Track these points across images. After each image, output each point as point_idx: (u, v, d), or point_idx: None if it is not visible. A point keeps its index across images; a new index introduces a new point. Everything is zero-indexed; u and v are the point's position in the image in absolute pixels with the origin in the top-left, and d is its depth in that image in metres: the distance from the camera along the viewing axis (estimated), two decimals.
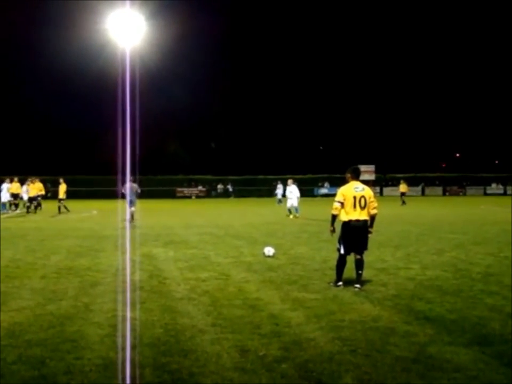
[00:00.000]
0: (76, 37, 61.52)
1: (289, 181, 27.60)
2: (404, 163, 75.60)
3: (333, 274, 9.77)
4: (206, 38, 74.68)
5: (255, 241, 15.95)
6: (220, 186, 66.81)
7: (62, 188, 31.07)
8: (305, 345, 5.95)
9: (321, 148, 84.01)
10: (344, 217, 9.08)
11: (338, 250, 9.30)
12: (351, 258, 9.29)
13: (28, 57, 69.64)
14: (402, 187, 43.21)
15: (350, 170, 9.48)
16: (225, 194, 65.27)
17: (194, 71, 72.11)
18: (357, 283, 9.02)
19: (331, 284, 9.28)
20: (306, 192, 65.67)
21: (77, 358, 5.51)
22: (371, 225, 9.26)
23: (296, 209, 26.27)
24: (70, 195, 57.94)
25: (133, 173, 21.72)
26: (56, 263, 11.76)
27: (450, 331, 6.47)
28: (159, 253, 13.37)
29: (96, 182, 58.73)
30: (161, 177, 63.71)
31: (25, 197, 31.63)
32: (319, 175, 69.84)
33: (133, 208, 22.04)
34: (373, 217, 9.22)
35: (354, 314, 7.27)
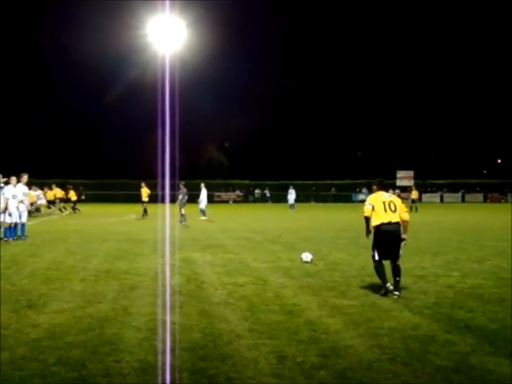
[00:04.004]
0: (117, 42, 62.58)
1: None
2: (443, 169, 74.52)
3: (371, 280, 9.70)
4: (245, 44, 75.02)
5: (292, 246, 15.89)
6: (257, 191, 66.93)
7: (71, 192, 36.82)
8: (343, 352, 5.89)
9: (359, 153, 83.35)
10: (375, 221, 9.06)
11: (373, 257, 9.23)
12: (387, 264, 9.17)
13: (69, 62, 70.90)
14: (414, 194, 43.05)
15: (376, 182, 9.71)
16: (263, 199, 65.34)
17: (233, 77, 72.46)
18: (395, 290, 8.87)
19: (382, 292, 8.90)
20: (344, 197, 65.43)
21: (115, 361, 5.55)
22: (405, 232, 9.16)
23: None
24: (110, 199, 59.27)
25: (172, 177, 22.48)
26: (96, 266, 11.91)
27: (492, 341, 6.32)
28: (196, 257, 13.43)
29: (134, 186, 59.44)
30: (198, 181, 64.06)
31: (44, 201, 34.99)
32: (357, 180, 69.35)
33: (183, 210, 24.83)
34: (405, 223, 9.16)
35: (393, 322, 7.17)
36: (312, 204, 61.42)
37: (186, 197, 26.19)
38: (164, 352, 5.82)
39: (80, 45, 65.01)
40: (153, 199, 35.14)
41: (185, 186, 26.52)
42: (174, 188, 25.83)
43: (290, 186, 47.16)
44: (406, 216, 9.15)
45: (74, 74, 72.06)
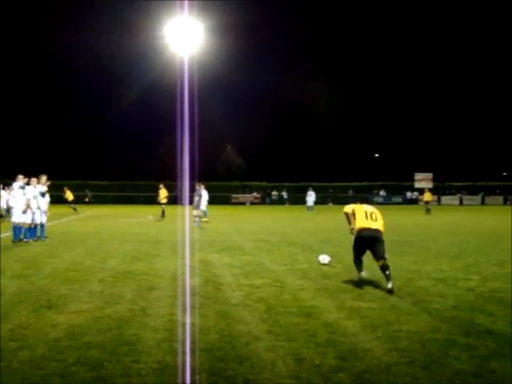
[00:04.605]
0: (135, 44, 62.98)
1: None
2: (463, 171, 73.94)
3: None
4: (264, 47, 75.09)
5: (310, 248, 15.86)
6: (274, 193, 66.90)
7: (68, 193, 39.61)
8: (361, 355, 5.86)
9: (377, 155, 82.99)
10: (356, 226, 9.90)
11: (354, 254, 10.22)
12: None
13: (87, 64, 71.51)
14: (427, 196, 42.91)
15: (360, 199, 11.40)
16: (280, 201, 65.31)
17: (251, 79, 72.56)
18: (388, 282, 9.37)
19: (356, 278, 10.02)
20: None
21: (134, 361, 5.57)
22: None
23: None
24: (129, 200, 59.62)
25: (191, 179, 22.70)
26: (114, 267, 11.97)
27: None
28: (214, 259, 13.45)
29: (153, 188, 59.76)
30: (216, 183, 64.15)
31: None
32: (375, 182, 69.07)
33: (198, 211, 25.06)
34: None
35: (411, 325, 7.11)
36: (330, 205, 61.24)
37: (205, 199, 26.28)
38: (182, 353, 5.84)
39: (99, 47, 65.55)
40: (172, 200, 35.33)
41: (204, 187, 26.64)
42: (193, 189, 25.89)
43: (310, 188, 47.11)
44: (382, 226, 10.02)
45: (93, 76, 72.63)
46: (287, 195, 66.17)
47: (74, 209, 38.72)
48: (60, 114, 73.68)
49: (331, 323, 7.18)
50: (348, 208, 10.22)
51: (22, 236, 17.19)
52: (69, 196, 39.74)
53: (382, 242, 9.86)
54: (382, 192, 68.14)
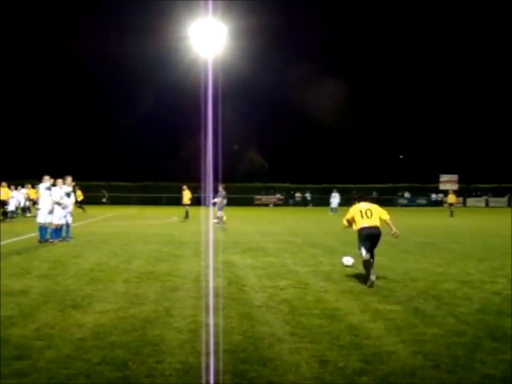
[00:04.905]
0: (159, 45, 63.40)
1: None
2: (489, 173, 72.95)
3: (414, 286, 9.61)
4: (286, 48, 75.05)
5: (334, 250, 15.80)
6: (298, 194, 66.76)
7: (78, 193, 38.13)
8: (386, 358, 5.81)
9: (401, 156, 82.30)
10: (356, 226, 10.79)
11: (361, 254, 10.53)
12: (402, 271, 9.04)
13: (111, 64, 72.08)
14: (451, 198, 42.58)
15: (356, 197, 12.81)
16: (303, 202, 65.15)
17: (273, 80, 72.54)
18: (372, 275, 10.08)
19: (368, 284, 10.00)
20: (386, 201, 64.64)
21: (158, 362, 5.60)
22: (392, 227, 10.75)
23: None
24: (152, 202, 59.95)
25: (215, 180, 22.82)
26: (138, 268, 12.05)
27: None
28: (237, 260, 13.47)
29: (176, 189, 60.06)
30: (239, 184, 64.16)
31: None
32: (399, 184, 68.56)
33: (221, 212, 24.91)
34: (387, 221, 10.84)
35: (436, 328, 7.04)
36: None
37: (225, 200, 26.33)
38: (205, 354, 5.85)
39: (124, 48, 66.06)
40: (196, 201, 35.45)
41: (225, 189, 26.61)
42: (216, 191, 25.97)
43: (334, 190, 46.85)
44: (385, 216, 10.90)
45: (117, 76, 73.11)
46: (311, 196, 65.97)
47: (83, 209, 38.64)
48: (84, 115, 74.45)
49: (355, 325, 7.14)
50: (344, 224, 11.50)
51: (48, 236, 17.39)
52: (79, 195, 39.84)
53: (378, 239, 10.71)
54: (407, 194, 67.61)
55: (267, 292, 9.39)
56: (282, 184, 69.16)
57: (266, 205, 64.03)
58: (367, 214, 10.77)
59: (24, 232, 20.16)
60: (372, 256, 10.52)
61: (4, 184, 29.66)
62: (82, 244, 16.99)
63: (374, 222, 10.68)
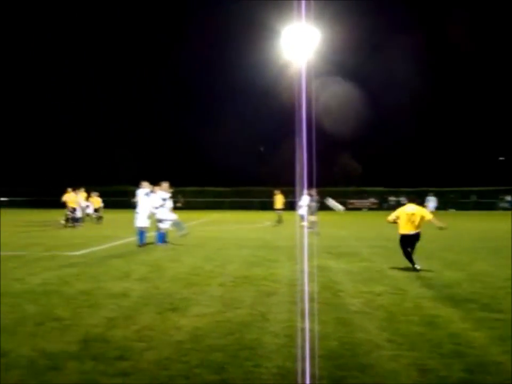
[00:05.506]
0: (252, 50, 64.21)
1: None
2: None
3: None
4: (383, 51, 73.83)
5: (431, 255, 15.31)
6: (392, 198, 65.44)
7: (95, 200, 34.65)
8: (492, 368, 5.54)
9: (501, 158, 78.88)
10: (400, 230, 12.67)
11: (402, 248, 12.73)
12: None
13: (203, 69, 73.72)
14: None
15: (407, 198, 13.85)
16: (398, 206, 63.75)
17: (368, 83, 71.59)
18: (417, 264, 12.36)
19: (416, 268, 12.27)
20: (486, 205, 62.19)
21: (255, 366, 5.62)
22: (438, 223, 12.54)
23: None
24: (245, 206, 60.71)
25: (309, 185, 22.80)
26: (233, 272, 12.19)
27: None
28: (331, 265, 13.35)
29: (268, 194, 60.50)
30: (332, 189, 63.64)
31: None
32: (500, 187, 65.70)
33: (315, 217, 24.73)
34: (431, 221, 12.57)
35: None
36: (451, 211, 58.93)
37: (317, 205, 26.21)
38: (302, 359, 5.81)
39: (216, 54, 67.37)
40: (289, 206, 35.49)
41: (317, 194, 26.42)
42: (309, 195, 25.89)
43: (431, 194, 45.57)
44: (428, 216, 12.63)
45: (210, 83, 74.72)
46: (406, 200, 64.47)
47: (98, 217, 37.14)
48: (177, 123, 76.66)
49: (457, 333, 6.88)
50: (391, 219, 13.01)
51: (146, 241, 17.96)
52: (97, 202, 39.65)
53: (417, 240, 12.60)
54: (508, 197, 64.65)
55: (363, 298, 9.24)
56: (375, 188, 68.02)
57: (359, 209, 63.21)
58: (410, 220, 12.45)
59: (123, 237, 20.94)
60: (413, 248, 12.57)
61: (69, 190, 30.33)
62: (178, 248, 17.40)
63: (415, 229, 12.48)
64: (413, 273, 11.97)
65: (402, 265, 13.06)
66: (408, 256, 12.59)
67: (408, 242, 12.57)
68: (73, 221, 28.60)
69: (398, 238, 12.83)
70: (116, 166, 72.29)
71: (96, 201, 34.05)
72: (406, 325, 7.33)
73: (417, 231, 12.51)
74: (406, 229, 12.53)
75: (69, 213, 28.76)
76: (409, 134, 77.68)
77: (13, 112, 77.69)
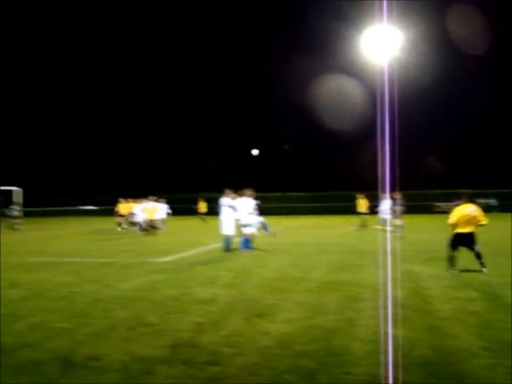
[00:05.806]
0: (332, 55, 63.81)
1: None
2: None
3: None
4: (463, 54, 71.59)
5: None
6: (480, 200, 63.14)
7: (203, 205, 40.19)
8: None
9: None
10: (457, 229, 12.67)
11: (449, 246, 12.84)
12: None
13: (273, 71, 73.98)
14: None
15: (464, 197, 13.30)
16: (487, 209, 61.41)
17: (452, 86, 69.55)
18: (482, 268, 12.44)
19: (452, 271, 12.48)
20: None
21: (345, 373, 5.55)
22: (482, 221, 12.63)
23: None
24: (326, 211, 60.27)
25: (392, 189, 22.41)
26: (318, 277, 12.11)
27: None
28: (419, 270, 13.03)
29: (350, 198, 59.80)
30: (416, 191, 62.07)
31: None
32: None
33: (399, 221, 24.20)
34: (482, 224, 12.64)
35: None
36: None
37: (403, 208, 25.67)
38: (392, 366, 5.69)
39: (290, 62, 67.52)
40: (372, 210, 34.96)
41: (402, 197, 25.99)
42: (392, 199, 25.41)
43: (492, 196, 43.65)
44: (484, 221, 12.64)
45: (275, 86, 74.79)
46: (496, 202, 61.98)
47: (204, 220, 40.29)
48: (250, 128, 77.66)
49: None
50: (450, 222, 12.83)
51: (231, 247, 18.20)
52: (202, 207, 42.11)
53: (473, 239, 12.61)
54: None
55: (454, 304, 8.95)
56: (463, 190, 65.82)
57: (446, 212, 61.31)
58: (470, 221, 12.52)
59: (207, 243, 21.28)
60: (473, 249, 12.64)
61: (122, 200, 32.98)
62: (263, 253, 17.49)
63: (473, 229, 12.63)
64: (508, 279, 11.47)
65: (494, 270, 12.56)
66: (451, 258, 12.75)
67: (463, 242, 12.64)
68: (134, 225, 30.47)
69: (451, 237, 12.86)
70: (205, 174, 73.87)
71: (152, 210, 29.51)
72: (502, 332, 7.04)
73: (473, 230, 12.64)
74: (464, 228, 12.62)
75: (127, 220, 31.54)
76: (498, 133, 74.83)
77: (92, 121, 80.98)
